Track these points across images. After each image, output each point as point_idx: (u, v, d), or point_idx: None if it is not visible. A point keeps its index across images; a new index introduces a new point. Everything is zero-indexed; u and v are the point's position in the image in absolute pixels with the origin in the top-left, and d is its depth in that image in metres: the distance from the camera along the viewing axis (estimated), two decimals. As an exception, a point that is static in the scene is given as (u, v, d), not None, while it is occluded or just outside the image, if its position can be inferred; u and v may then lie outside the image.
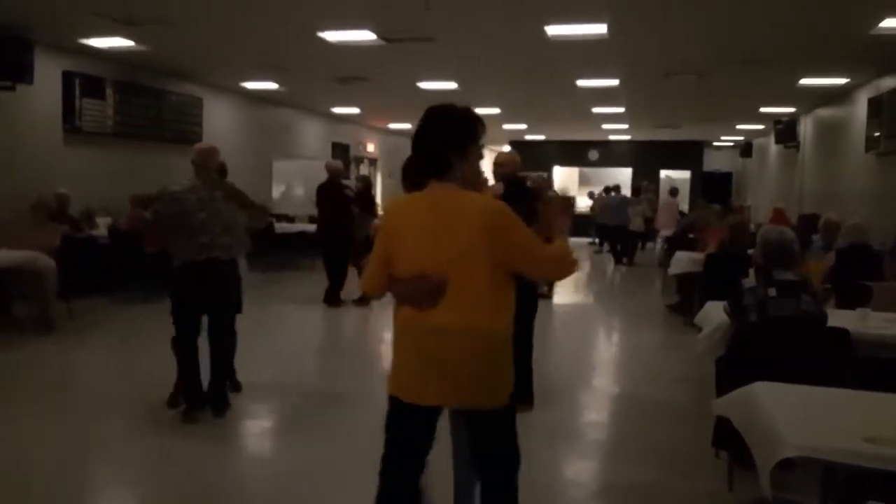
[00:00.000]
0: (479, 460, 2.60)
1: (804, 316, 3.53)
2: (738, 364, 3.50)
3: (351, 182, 10.38)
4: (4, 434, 4.43)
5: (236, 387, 5.24)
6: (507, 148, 22.89)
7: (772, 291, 3.56)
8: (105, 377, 5.80)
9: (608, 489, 3.93)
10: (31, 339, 6.84)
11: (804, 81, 10.53)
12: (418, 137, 2.50)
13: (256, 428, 4.86)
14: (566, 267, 2.53)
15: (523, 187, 5.08)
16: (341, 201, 8.90)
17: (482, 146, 2.58)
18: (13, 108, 8.60)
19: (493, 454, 2.55)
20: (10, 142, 8.64)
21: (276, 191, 14.68)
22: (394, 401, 2.49)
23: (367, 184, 10.60)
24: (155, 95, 10.85)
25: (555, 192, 9.23)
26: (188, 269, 4.58)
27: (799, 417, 2.62)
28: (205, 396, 4.73)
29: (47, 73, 8.93)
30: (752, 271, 3.87)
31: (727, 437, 3.48)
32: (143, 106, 10.59)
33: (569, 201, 2.57)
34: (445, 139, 2.45)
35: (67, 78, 9.34)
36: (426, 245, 2.38)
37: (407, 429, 2.51)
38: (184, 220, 4.53)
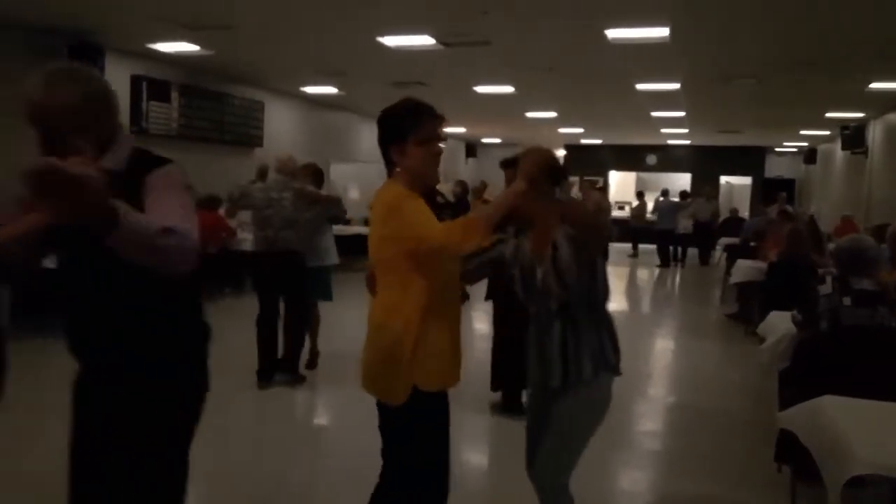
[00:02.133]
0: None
1: (878, 327, 3.41)
2: (804, 375, 3.40)
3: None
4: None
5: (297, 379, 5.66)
6: (562, 152, 22.81)
7: (846, 300, 3.44)
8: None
9: (665, 501, 3.85)
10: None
11: (874, 86, 10.17)
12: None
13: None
14: (457, 236, 2.26)
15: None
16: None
17: (437, 136, 2.44)
18: (84, 110, 8.91)
19: (386, 448, 2.52)
20: (80, 143, 8.95)
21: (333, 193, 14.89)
22: None
23: (464, 188, 10.66)
24: (218, 99, 11.11)
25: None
26: (256, 257, 5.64)
27: (870, 433, 2.53)
28: (276, 367, 5.59)
29: (116, 77, 9.21)
30: (829, 279, 3.75)
31: (791, 452, 3.37)
32: (207, 109, 10.85)
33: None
34: (384, 139, 2.44)
35: (135, 82, 9.63)
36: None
37: None
38: (254, 214, 5.52)
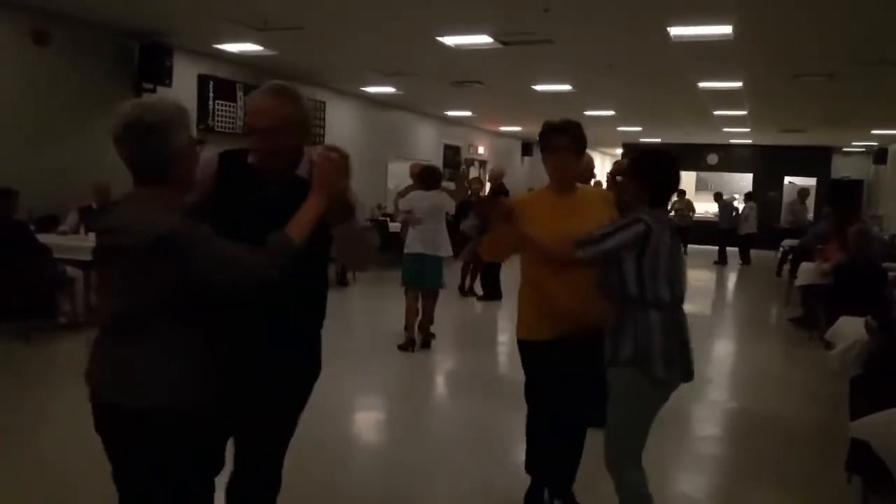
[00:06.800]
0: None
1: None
2: (879, 384, 3.30)
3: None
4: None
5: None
6: (619, 151, 22.52)
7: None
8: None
9: (729, 507, 3.80)
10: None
11: (952, 83, 9.78)
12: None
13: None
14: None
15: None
16: None
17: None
18: (153, 109, 9.20)
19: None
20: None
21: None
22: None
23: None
24: (280, 98, 11.31)
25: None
26: None
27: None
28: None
29: (184, 77, 9.50)
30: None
31: (863, 462, 3.29)
32: (270, 108, 11.07)
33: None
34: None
35: (202, 81, 9.91)
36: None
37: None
38: None
